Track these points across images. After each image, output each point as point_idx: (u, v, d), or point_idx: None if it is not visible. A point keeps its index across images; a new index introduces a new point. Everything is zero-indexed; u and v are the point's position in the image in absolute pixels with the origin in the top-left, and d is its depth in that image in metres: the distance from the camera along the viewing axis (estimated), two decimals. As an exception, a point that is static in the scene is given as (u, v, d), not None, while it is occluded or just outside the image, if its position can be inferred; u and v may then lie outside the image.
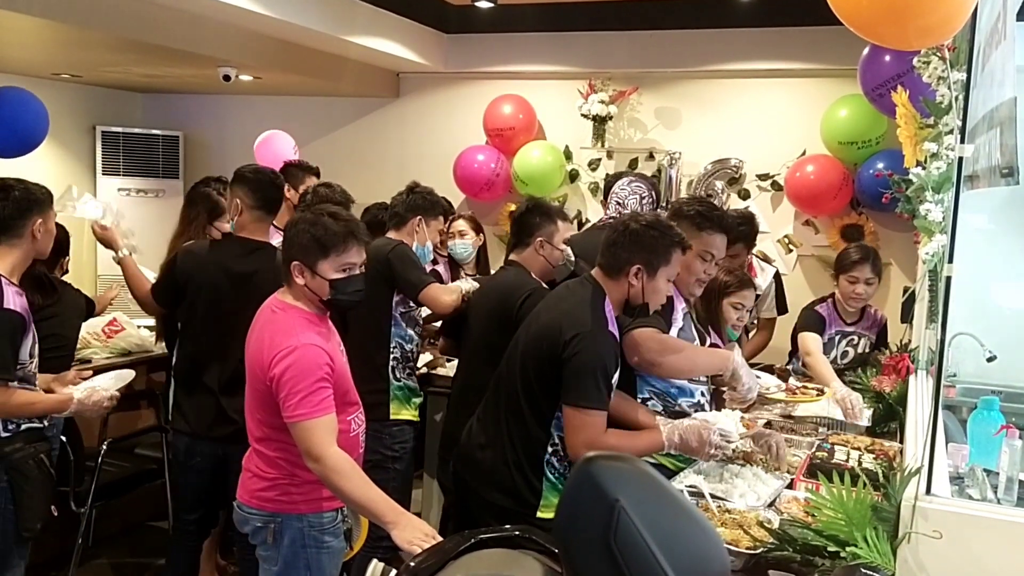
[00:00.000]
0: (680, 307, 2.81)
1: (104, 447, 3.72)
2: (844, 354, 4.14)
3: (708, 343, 3.05)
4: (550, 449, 2.56)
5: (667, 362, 2.64)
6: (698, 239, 2.76)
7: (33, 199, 2.91)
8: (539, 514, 2.55)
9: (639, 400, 2.72)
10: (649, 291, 2.53)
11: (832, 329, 4.13)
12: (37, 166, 5.74)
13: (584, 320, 2.46)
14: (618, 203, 3.67)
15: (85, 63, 5.57)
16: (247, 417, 2.53)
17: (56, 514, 3.02)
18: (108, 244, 3.64)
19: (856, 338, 4.15)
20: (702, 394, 2.83)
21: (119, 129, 6.66)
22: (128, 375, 3.38)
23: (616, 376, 2.53)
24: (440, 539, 2.14)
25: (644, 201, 3.63)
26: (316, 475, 2.32)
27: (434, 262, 4.17)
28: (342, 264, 2.44)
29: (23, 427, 2.90)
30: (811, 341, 3.97)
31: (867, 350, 4.13)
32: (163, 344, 3.97)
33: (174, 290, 3.38)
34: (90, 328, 4.06)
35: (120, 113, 6.86)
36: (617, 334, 2.53)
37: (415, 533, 2.14)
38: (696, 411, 2.74)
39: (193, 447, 3.27)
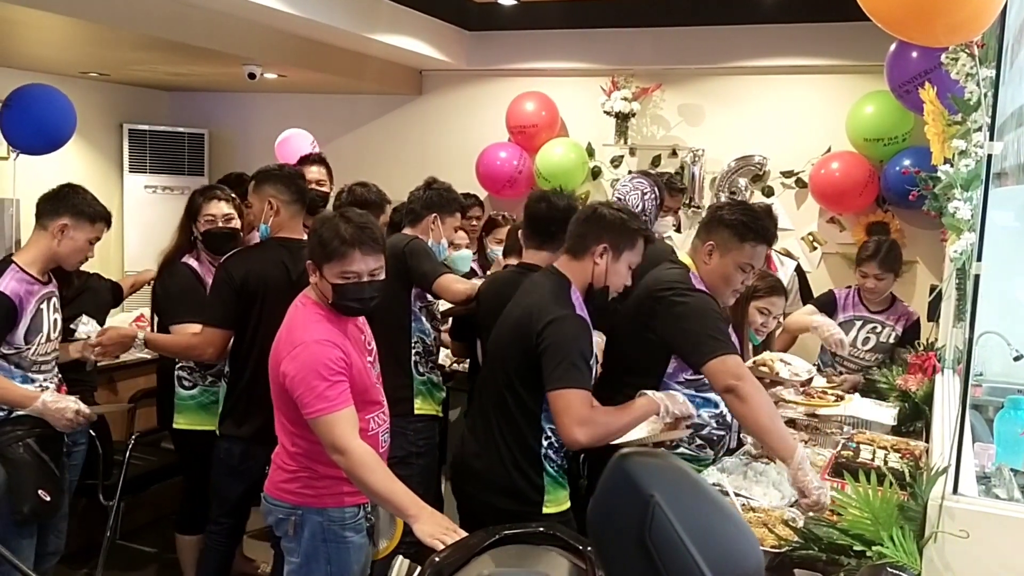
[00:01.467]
0: None
1: (132, 441, 3.77)
2: (865, 340, 4.15)
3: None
4: (544, 443, 2.56)
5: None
6: (739, 250, 2.65)
7: (68, 202, 3.04)
8: (545, 510, 2.56)
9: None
10: (611, 272, 2.58)
11: (848, 313, 4.19)
12: (65, 163, 5.82)
13: (553, 308, 2.49)
14: (619, 199, 3.64)
15: (112, 62, 5.64)
16: (274, 410, 2.55)
17: (48, 499, 2.99)
18: (122, 347, 3.42)
19: (880, 327, 4.14)
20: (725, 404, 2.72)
21: (145, 127, 6.73)
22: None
23: (593, 361, 2.53)
24: (462, 533, 2.14)
25: (646, 197, 3.58)
26: (341, 468, 2.32)
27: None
28: (344, 271, 2.41)
29: (13, 413, 2.97)
30: (808, 307, 4.10)
31: (891, 341, 4.12)
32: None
33: (238, 302, 3.15)
34: (117, 324, 4.10)
35: (146, 111, 6.93)
36: (587, 318, 2.55)
37: (436, 527, 2.14)
38: (717, 421, 2.73)
39: (249, 452, 3.18)
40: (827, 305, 4.21)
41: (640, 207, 3.57)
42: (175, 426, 3.51)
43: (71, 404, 3.04)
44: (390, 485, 2.28)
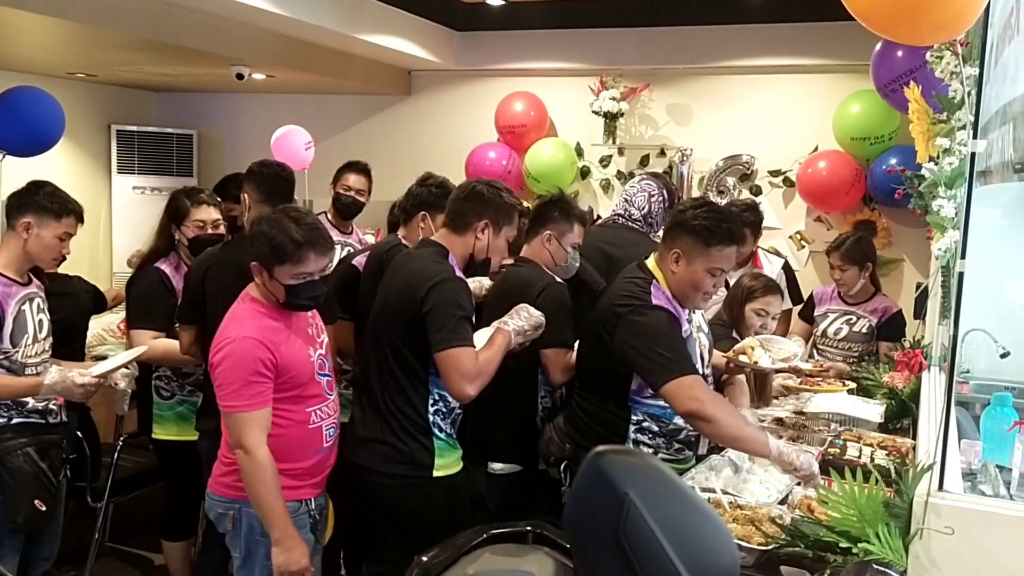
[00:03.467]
0: (683, 324, 2.65)
1: (120, 442, 3.75)
2: (837, 331, 4.24)
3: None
4: (432, 408, 2.63)
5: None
6: (705, 256, 2.57)
7: (29, 199, 2.98)
8: (435, 473, 2.63)
9: (634, 420, 2.68)
10: (493, 247, 2.74)
11: (825, 306, 4.31)
12: (53, 164, 5.79)
13: (432, 272, 2.59)
14: (626, 200, 3.64)
15: (100, 63, 5.61)
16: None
17: (43, 509, 2.98)
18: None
19: (854, 318, 4.21)
20: None
21: (134, 128, 6.71)
22: (138, 350, 3.24)
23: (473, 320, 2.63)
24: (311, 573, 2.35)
25: (653, 199, 3.59)
26: (238, 465, 2.38)
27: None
28: (298, 272, 2.43)
29: (14, 420, 2.95)
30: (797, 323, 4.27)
31: (864, 331, 4.18)
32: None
33: (192, 303, 3.13)
34: (105, 325, 4.08)
35: (135, 112, 6.90)
36: (466, 281, 2.66)
37: (291, 559, 2.32)
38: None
39: None
40: (807, 307, 4.41)
41: (646, 209, 3.58)
42: (154, 436, 3.44)
43: (73, 376, 2.95)
44: (272, 501, 2.36)
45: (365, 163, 4.46)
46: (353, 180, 4.32)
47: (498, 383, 2.96)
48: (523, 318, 2.73)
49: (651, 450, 2.68)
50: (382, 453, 2.63)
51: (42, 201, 2.98)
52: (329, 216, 4.34)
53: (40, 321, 3.04)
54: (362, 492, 2.72)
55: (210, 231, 3.41)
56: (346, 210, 4.34)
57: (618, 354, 2.58)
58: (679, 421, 2.67)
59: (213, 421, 3.12)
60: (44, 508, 3.00)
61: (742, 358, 3.12)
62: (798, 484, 2.48)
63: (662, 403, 2.58)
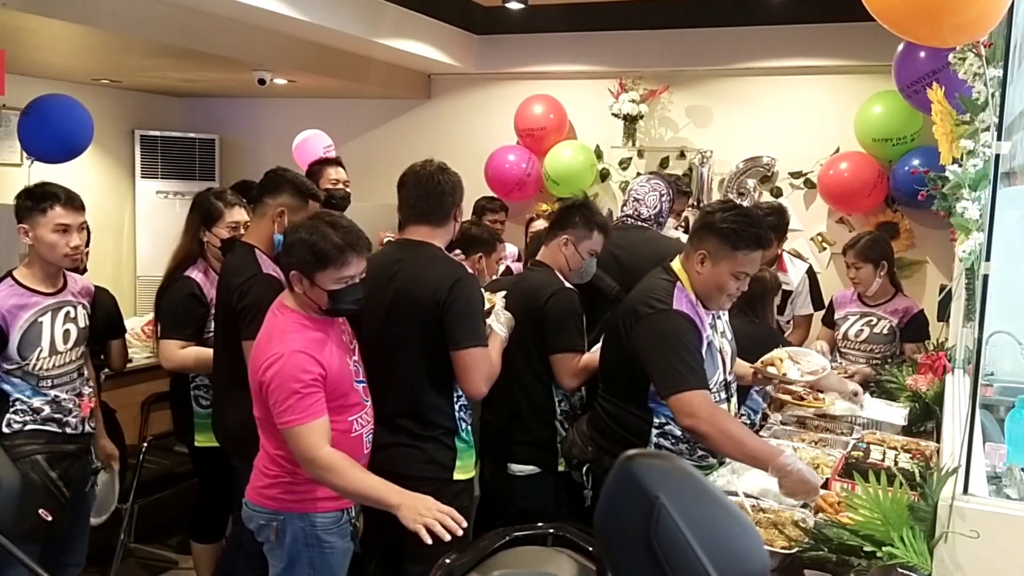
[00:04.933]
0: (704, 329, 2.62)
1: (145, 444, 3.79)
2: (859, 332, 4.20)
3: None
4: (457, 404, 2.66)
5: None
6: (732, 259, 2.57)
7: (19, 207, 2.95)
8: (455, 476, 2.66)
9: (656, 424, 2.68)
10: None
11: (845, 308, 4.28)
12: (78, 169, 5.86)
13: (450, 271, 2.64)
14: (636, 199, 3.61)
15: (124, 69, 5.68)
16: (255, 414, 2.55)
17: (50, 519, 2.91)
18: None
19: (875, 319, 4.17)
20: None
21: (157, 133, 6.79)
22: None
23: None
24: (447, 510, 2.19)
25: (663, 199, 3.57)
26: (313, 477, 2.35)
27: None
28: (341, 277, 2.43)
29: (28, 427, 2.91)
30: (818, 345, 4.17)
31: (886, 332, 4.14)
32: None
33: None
34: (131, 327, 4.12)
35: (158, 117, 6.98)
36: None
37: (419, 510, 2.18)
38: None
39: None
40: (828, 312, 4.39)
41: (658, 208, 3.56)
42: (196, 444, 3.42)
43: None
44: (366, 481, 2.32)
45: (336, 156, 4.45)
46: (337, 173, 4.22)
47: (514, 385, 2.98)
48: (503, 321, 2.85)
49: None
50: (412, 463, 2.63)
51: (24, 203, 2.94)
52: None
53: (67, 331, 3.00)
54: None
55: (242, 231, 3.33)
56: (342, 204, 4.19)
57: (632, 354, 2.60)
58: None
59: (230, 429, 3.10)
60: (50, 519, 2.92)
61: (770, 369, 3.10)
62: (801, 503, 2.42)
63: None
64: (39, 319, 2.94)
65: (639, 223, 3.55)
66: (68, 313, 3.03)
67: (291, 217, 2.99)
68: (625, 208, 3.65)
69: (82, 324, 3.08)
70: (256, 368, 2.41)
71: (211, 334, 3.23)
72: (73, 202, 2.98)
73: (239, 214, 3.35)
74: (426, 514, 2.15)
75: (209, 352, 3.19)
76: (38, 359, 2.93)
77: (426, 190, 2.73)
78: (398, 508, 2.20)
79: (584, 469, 2.88)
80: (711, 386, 2.58)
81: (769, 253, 3.94)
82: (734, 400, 2.83)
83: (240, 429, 2.81)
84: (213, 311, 3.21)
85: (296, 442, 2.33)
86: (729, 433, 2.44)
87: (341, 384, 2.46)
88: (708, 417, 2.44)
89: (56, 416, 2.98)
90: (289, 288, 2.50)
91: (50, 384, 2.97)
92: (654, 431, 2.68)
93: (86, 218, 3.07)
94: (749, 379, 3.17)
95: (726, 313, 2.82)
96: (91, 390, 3.16)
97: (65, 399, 3.01)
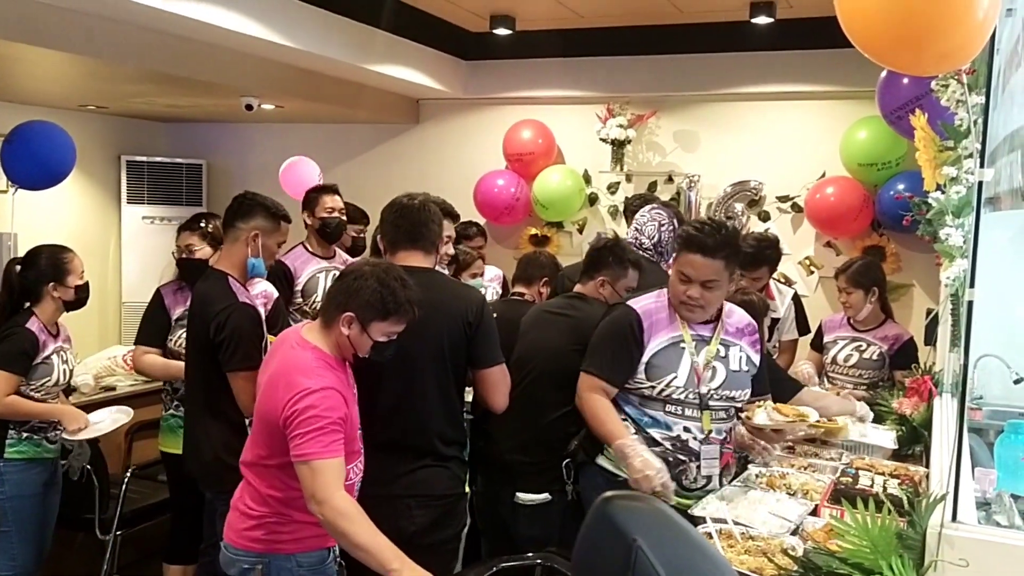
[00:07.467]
0: (663, 330, 2.76)
1: (128, 474, 3.75)
2: (847, 357, 4.22)
3: None
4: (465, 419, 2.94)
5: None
6: (677, 261, 2.81)
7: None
8: (466, 489, 2.87)
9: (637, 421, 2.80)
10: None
11: (834, 333, 4.30)
12: (64, 196, 5.84)
13: (471, 294, 2.89)
14: (636, 229, 3.68)
15: (110, 95, 5.67)
16: (247, 449, 2.50)
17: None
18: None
19: (865, 344, 4.18)
20: (685, 429, 2.74)
21: (143, 158, 6.76)
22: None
23: None
24: None
25: (663, 229, 3.63)
26: (319, 518, 2.26)
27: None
28: (391, 331, 2.47)
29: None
30: (804, 366, 4.17)
31: (875, 358, 4.14)
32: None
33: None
34: (113, 355, 4.10)
35: (144, 143, 6.96)
36: None
37: None
38: (673, 445, 2.73)
39: None
40: (817, 336, 4.41)
41: (656, 238, 3.63)
42: (161, 448, 3.66)
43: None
44: (374, 538, 2.23)
45: (334, 184, 4.51)
46: (333, 201, 4.29)
47: (525, 411, 3.02)
48: None
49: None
50: (436, 477, 2.75)
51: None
52: (307, 246, 4.28)
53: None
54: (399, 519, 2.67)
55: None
56: (337, 231, 4.31)
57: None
58: (657, 436, 2.74)
59: (204, 461, 3.05)
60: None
61: (747, 415, 3.08)
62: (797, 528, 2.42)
63: (650, 410, 2.75)
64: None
65: (640, 252, 3.61)
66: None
67: (264, 240, 3.02)
68: (628, 235, 3.79)
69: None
70: (279, 400, 2.32)
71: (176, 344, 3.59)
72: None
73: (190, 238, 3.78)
74: None
75: (177, 364, 3.42)
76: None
77: (415, 218, 2.87)
78: (397, 573, 2.17)
79: (565, 463, 2.98)
80: (660, 386, 2.74)
81: (761, 282, 4.03)
82: (708, 413, 2.78)
83: (214, 461, 2.82)
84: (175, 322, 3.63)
85: (313, 477, 2.24)
86: (593, 412, 2.76)
87: (352, 430, 2.43)
88: (587, 397, 2.78)
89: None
90: (324, 325, 2.45)
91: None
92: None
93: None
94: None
95: (746, 344, 2.88)
96: None
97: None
